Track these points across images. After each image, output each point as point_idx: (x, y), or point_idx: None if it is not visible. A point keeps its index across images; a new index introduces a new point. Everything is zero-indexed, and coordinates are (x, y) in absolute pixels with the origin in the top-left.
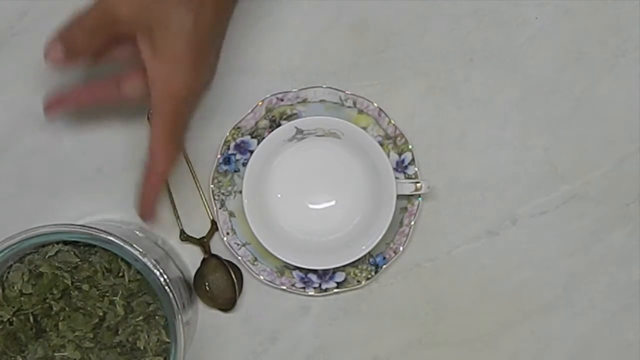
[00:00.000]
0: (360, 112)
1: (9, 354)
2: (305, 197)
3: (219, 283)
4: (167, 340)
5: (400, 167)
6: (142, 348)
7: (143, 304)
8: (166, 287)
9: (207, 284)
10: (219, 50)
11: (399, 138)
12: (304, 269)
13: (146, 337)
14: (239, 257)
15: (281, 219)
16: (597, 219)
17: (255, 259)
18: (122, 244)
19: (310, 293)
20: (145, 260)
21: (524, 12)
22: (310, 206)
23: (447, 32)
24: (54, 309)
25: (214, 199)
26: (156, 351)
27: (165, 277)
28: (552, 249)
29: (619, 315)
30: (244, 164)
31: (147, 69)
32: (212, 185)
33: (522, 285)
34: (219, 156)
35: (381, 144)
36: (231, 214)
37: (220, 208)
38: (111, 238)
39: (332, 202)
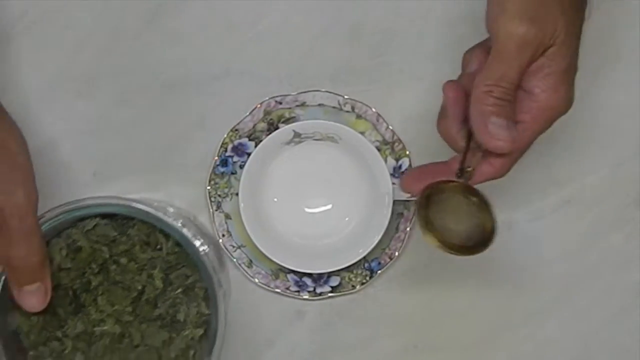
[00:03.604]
0: (359, 116)
1: (49, 330)
2: (301, 200)
3: None
4: (207, 312)
5: (398, 172)
6: (182, 320)
7: (182, 276)
8: (206, 258)
9: None
10: None
11: (396, 144)
12: (298, 272)
13: (186, 309)
14: (234, 259)
15: (277, 222)
16: (595, 223)
17: (251, 262)
18: (161, 215)
19: (304, 297)
20: (184, 231)
21: None
22: (307, 210)
23: (444, 36)
24: (93, 283)
25: (211, 200)
26: (196, 323)
27: (205, 247)
28: (550, 253)
29: (617, 318)
30: (241, 167)
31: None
32: (208, 187)
33: (520, 289)
34: (216, 158)
35: (379, 149)
36: (227, 216)
37: (216, 210)
38: (150, 210)
39: (329, 206)
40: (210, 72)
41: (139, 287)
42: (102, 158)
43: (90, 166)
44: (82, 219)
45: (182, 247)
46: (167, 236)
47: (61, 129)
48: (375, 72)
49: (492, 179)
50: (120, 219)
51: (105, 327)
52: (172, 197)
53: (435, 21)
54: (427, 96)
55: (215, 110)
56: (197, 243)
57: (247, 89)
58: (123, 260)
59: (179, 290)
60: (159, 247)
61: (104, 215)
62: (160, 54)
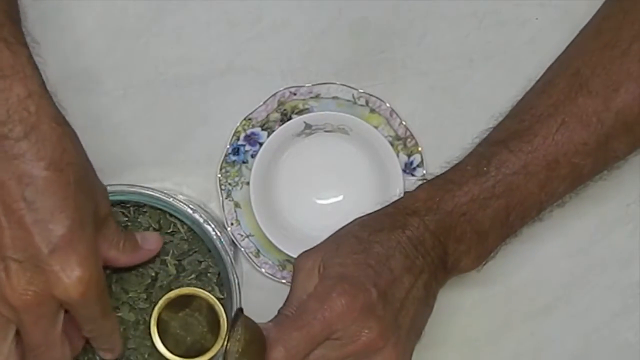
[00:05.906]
0: (372, 111)
1: None
2: (312, 192)
3: None
4: (221, 296)
5: (409, 168)
6: None
7: (194, 262)
8: (219, 242)
9: None
10: None
11: (409, 139)
12: None
13: None
14: (242, 249)
15: (288, 213)
16: (597, 220)
17: (258, 251)
18: (172, 200)
19: None
20: (195, 216)
21: (524, 12)
22: (318, 201)
23: (448, 33)
24: (106, 271)
25: (221, 188)
26: None
27: (218, 232)
28: (552, 250)
29: (619, 316)
30: (253, 156)
31: None
32: (219, 175)
33: (522, 285)
34: (228, 146)
35: (391, 144)
36: (237, 205)
37: (226, 198)
38: (161, 195)
39: (340, 198)
40: (213, 69)
41: (153, 274)
42: (105, 155)
43: (95, 163)
44: None
45: (193, 232)
46: (178, 222)
47: None
48: (379, 68)
49: None
50: (131, 206)
51: (120, 315)
52: (181, 187)
53: (439, 17)
54: (431, 91)
55: (218, 107)
56: (209, 227)
57: (251, 85)
58: None
59: (193, 276)
60: (170, 231)
61: (114, 203)
62: (161, 53)
